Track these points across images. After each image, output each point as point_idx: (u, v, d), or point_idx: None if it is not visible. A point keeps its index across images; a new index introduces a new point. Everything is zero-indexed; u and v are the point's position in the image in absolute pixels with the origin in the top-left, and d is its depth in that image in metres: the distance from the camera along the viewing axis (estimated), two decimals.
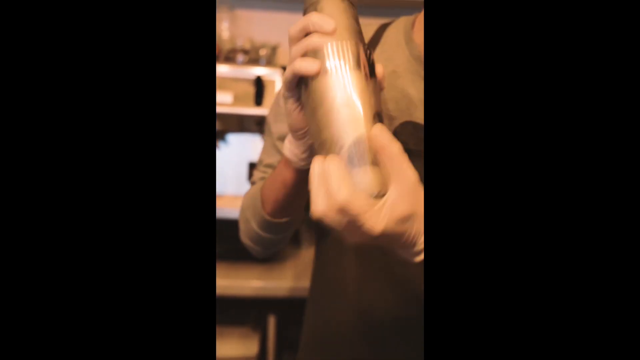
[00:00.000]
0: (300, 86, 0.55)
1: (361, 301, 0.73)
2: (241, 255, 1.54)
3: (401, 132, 0.67)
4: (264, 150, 0.82)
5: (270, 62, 1.77)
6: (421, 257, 0.50)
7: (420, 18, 0.71)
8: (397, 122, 0.67)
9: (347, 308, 0.74)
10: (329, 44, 0.52)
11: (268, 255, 0.80)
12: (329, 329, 0.77)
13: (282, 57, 1.86)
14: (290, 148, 0.63)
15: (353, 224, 0.45)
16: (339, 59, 0.52)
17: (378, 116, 0.51)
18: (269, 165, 0.80)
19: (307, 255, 1.72)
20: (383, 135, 0.47)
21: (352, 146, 0.49)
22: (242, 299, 1.50)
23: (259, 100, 1.62)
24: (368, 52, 0.54)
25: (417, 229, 0.49)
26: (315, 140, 0.53)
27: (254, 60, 1.75)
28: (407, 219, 0.47)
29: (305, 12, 0.56)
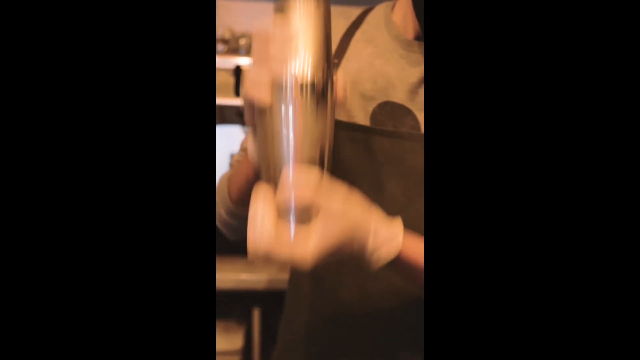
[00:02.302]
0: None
1: (338, 292, 0.72)
2: (224, 249, 1.52)
3: (379, 113, 0.66)
4: (247, 137, 0.81)
5: (250, 51, 1.74)
6: (378, 265, 0.52)
7: (400, 1, 0.70)
8: (375, 103, 0.67)
9: (324, 299, 0.73)
10: (284, 69, 0.50)
11: (239, 239, 0.80)
12: (307, 320, 0.76)
13: None
14: (250, 145, 0.62)
15: (283, 265, 0.48)
16: (290, 88, 0.50)
17: (321, 151, 0.51)
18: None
19: None
20: (302, 178, 0.49)
21: (283, 182, 0.50)
22: (225, 292, 1.48)
23: (238, 90, 1.60)
24: (326, 68, 0.52)
25: (357, 246, 0.50)
26: (259, 162, 0.53)
27: (234, 50, 1.73)
28: (336, 249, 0.49)
29: (275, 10, 0.54)
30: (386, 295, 0.67)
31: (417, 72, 0.65)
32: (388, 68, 0.67)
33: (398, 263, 0.53)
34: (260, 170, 0.54)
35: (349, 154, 0.66)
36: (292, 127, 0.51)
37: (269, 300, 1.56)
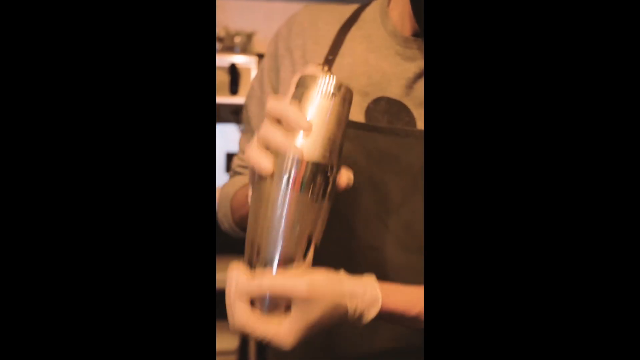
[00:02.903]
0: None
1: None
2: (221, 248, 1.51)
3: (374, 109, 0.65)
4: (244, 137, 0.80)
5: (245, 49, 1.74)
6: (363, 321, 0.53)
7: None
8: (369, 98, 0.66)
9: None
10: (291, 154, 0.49)
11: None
12: None
13: (257, 44, 1.83)
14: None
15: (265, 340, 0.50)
16: (291, 173, 0.49)
17: (300, 239, 0.51)
18: None
19: None
20: (270, 278, 0.50)
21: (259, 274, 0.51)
22: (222, 292, 1.47)
23: (234, 88, 1.59)
24: (333, 168, 0.51)
25: (338, 319, 0.52)
26: (246, 242, 0.54)
27: (229, 48, 1.72)
28: (317, 328, 0.51)
29: (295, 89, 0.52)
30: (381, 339, 0.67)
31: (412, 67, 0.65)
32: (383, 63, 0.66)
33: (384, 316, 0.54)
34: (245, 241, 0.54)
35: (344, 151, 0.65)
36: (284, 217, 0.50)
37: None
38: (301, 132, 0.49)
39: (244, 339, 1.63)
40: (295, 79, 0.52)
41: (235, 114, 1.72)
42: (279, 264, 0.51)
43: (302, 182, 0.49)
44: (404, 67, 0.65)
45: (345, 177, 0.54)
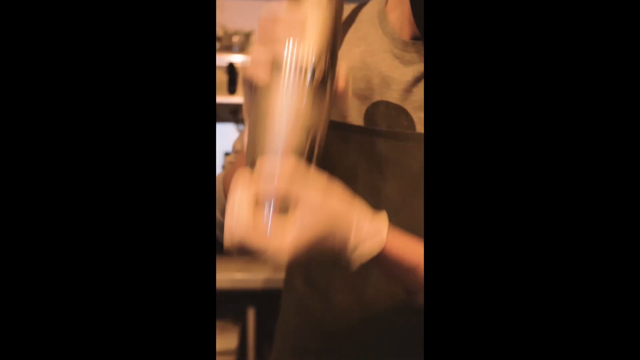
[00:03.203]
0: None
1: (332, 296, 0.71)
2: (219, 248, 1.51)
3: (373, 112, 0.65)
4: (240, 137, 0.79)
5: (243, 49, 1.73)
6: (360, 261, 0.50)
7: None
8: (368, 102, 0.65)
9: (317, 304, 0.72)
10: (288, 52, 0.50)
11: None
12: (304, 320, 0.75)
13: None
14: (244, 140, 0.61)
15: (259, 255, 0.46)
16: (291, 71, 0.49)
17: (309, 140, 0.50)
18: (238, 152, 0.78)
19: None
20: (284, 167, 0.48)
21: (269, 170, 0.49)
22: (220, 292, 1.47)
23: (232, 88, 1.58)
24: (328, 59, 0.51)
25: (338, 241, 0.48)
26: (247, 150, 0.52)
27: (227, 48, 1.71)
28: (316, 242, 0.47)
29: None
30: (382, 299, 0.66)
31: (411, 70, 0.64)
32: (381, 67, 0.66)
33: (381, 260, 0.51)
34: (246, 153, 0.52)
35: (343, 154, 0.65)
36: (286, 111, 0.49)
37: (264, 299, 1.55)
38: (298, 29, 0.49)
39: (244, 337, 1.62)
40: None
41: (234, 114, 1.71)
42: (287, 160, 0.49)
43: (302, 76, 0.49)
44: (402, 70, 0.65)
45: (342, 76, 0.53)
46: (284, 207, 0.48)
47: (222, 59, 1.60)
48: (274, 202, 0.48)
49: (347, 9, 0.72)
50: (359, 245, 0.50)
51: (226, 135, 1.72)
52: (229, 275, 1.48)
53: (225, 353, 1.55)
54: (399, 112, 0.64)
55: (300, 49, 0.50)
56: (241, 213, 0.47)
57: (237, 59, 1.60)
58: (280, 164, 0.48)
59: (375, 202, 0.61)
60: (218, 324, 1.63)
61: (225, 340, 1.57)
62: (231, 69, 1.58)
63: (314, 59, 0.50)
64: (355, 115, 0.66)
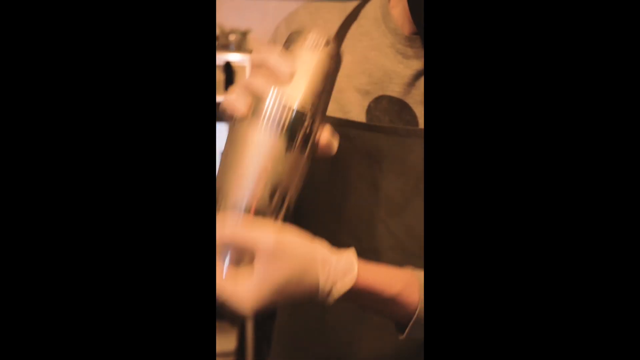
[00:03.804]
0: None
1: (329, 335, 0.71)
2: None
3: (375, 108, 0.64)
4: None
5: (240, 47, 1.73)
6: (333, 299, 0.49)
7: None
8: (370, 97, 0.65)
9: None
10: (270, 99, 0.48)
11: None
12: (299, 321, 0.74)
13: (252, 42, 1.82)
14: None
15: (221, 307, 0.46)
16: (269, 120, 0.47)
17: (272, 191, 0.48)
18: None
19: None
20: (244, 218, 0.47)
21: (225, 214, 0.48)
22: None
23: (229, 87, 1.57)
24: (310, 117, 0.49)
25: (307, 286, 0.47)
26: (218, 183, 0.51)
27: (224, 46, 1.71)
28: (280, 290, 0.46)
29: (285, 43, 0.52)
30: (378, 339, 0.66)
31: (414, 64, 0.64)
32: (384, 61, 0.65)
33: (357, 294, 0.50)
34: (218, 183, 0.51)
35: (344, 152, 0.64)
36: (255, 160, 0.48)
37: None
38: (284, 78, 0.48)
39: (242, 339, 1.62)
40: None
41: None
42: (247, 213, 0.48)
43: (279, 127, 0.47)
44: (405, 65, 0.64)
45: (326, 136, 0.51)
46: (239, 259, 0.47)
47: (219, 58, 1.60)
48: (230, 253, 0.47)
49: (351, 5, 0.72)
50: (330, 285, 0.49)
51: (222, 135, 1.72)
52: None
53: (224, 354, 1.55)
54: (401, 107, 0.64)
55: (283, 102, 0.48)
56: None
57: (233, 57, 1.59)
58: (237, 216, 0.48)
59: (377, 200, 0.61)
60: (216, 326, 1.62)
61: (224, 342, 1.56)
62: (228, 67, 1.57)
63: (293, 115, 0.48)
64: (356, 111, 0.65)
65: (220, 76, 1.59)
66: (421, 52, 0.63)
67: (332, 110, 0.61)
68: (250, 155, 0.48)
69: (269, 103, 0.48)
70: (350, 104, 0.65)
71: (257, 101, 0.48)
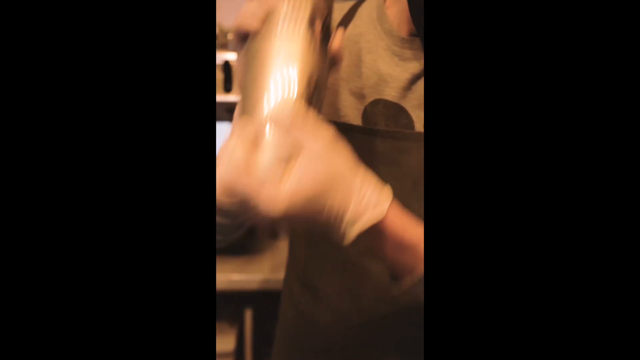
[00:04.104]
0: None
1: (330, 300, 0.70)
2: (220, 248, 1.49)
3: (371, 111, 0.64)
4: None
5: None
6: (350, 238, 0.45)
7: None
8: (366, 101, 0.64)
9: (315, 301, 0.71)
10: (284, 5, 0.48)
11: (228, 243, 0.78)
12: (302, 322, 0.74)
13: None
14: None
15: (245, 205, 0.42)
16: (287, 20, 0.48)
17: (311, 85, 0.47)
18: None
19: (284, 247, 1.68)
20: (286, 108, 0.43)
21: (268, 114, 0.45)
22: (217, 293, 1.45)
23: (228, 86, 1.56)
24: (327, 18, 0.50)
25: (338, 204, 0.44)
26: (241, 98, 0.48)
27: (222, 46, 1.69)
28: (312, 198, 0.43)
29: None
30: (380, 303, 0.65)
31: (410, 67, 0.63)
32: (380, 64, 0.65)
33: (378, 232, 0.47)
34: (241, 102, 0.49)
35: None
36: (284, 56, 0.47)
37: (261, 301, 1.53)
38: None
39: (241, 339, 1.61)
40: None
41: (230, 112, 1.69)
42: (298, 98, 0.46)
43: (300, 20, 0.48)
44: (401, 68, 0.63)
45: (340, 38, 0.51)
46: (285, 155, 0.43)
47: (218, 57, 1.58)
48: (276, 147, 0.43)
49: (346, 6, 0.71)
50: (358, 212, 0.45)
51: (221, 134, 1.71)
52: (225, 277, 1.46)
53: (223, 355, 1.54)
54: (397, 110, 0.63)
55: (297, 3, 0.48)
56: (234, 157, 0.43)
57: (232, 57, 1.58)
58: (284, 108, 0.44)
59: None
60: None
61: (223, 342, 1.56)
62: (227, 67, 1.56)
63: (310, 12, 0.48)
64: (352, 115, 0.64)
65: (219, 75, 1.58)
66: (419, 54, 0.63)
67: (327, 113, 0.60)
68: (275, 52, 0.47)
69: (284, 8, 0.48)
70: (346, 107, 0.64)
71: (270, 14, 0.48)
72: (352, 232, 0.46)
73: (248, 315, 1.57)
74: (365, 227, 0.46)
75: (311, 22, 0.48)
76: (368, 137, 0.63)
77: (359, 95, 0.64)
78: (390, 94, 0.63)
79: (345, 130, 0.63)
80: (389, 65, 0.64)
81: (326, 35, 0.50)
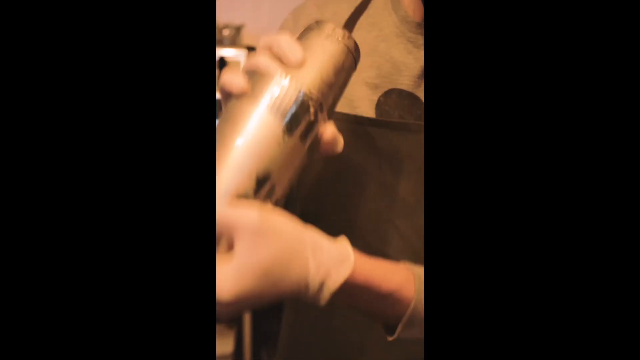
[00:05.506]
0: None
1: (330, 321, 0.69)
2: None
3: (385, 102, 0.62)
4: None
5: (234, 42, 1.72)
6: (324, 299, 0.44)
7: None
8: (380, 91, 0.63)
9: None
10: (276, 77, 0.44)
11: None
12: (306, 323, 0.72)
13: (246, 37, 1.81)
14: None
15: None
16: (272, 97, 0.44)
17: (261, 177, 0.44)
18: None
19: None
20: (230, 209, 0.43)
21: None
22: None
23: None
24: (320, 110, 0.46)
25: (294, 278, 0.42)
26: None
27: (218, 42, 1.69)
28: (264, 272, 0.41)
29: (301, 33, 0.49)
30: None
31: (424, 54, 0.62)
32: (394, 52, 0.63)
33: (352, 288, 0.45)
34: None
35: (353, 150, 0.62)
36: (245, 142, 0.44)
37: None
38: (294, 60, 0.45)
39: (240, 341, 1.60)
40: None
41: None
42: (230, 194, 0.44)
43: (281, 109, 0.44)
44: (416, 55, 0.62)
45: (332, 131, 0.48)
46: (219, 243, 0.43)
47: None
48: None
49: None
50: (323, 275, 0.44)
51: None
52: None
53: (222, 357, 1.54)
54: (412, 100, 0.62)
55: (289, 83, 0.44)
56: None
57: (228, 52, 1.57)
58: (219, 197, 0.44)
59: (387, 200, 0.59)
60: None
61: (222, 345, 1.56)
62: (222, 63, 1.55)
63: (299, 98, 0.45)
64: (365, 106, 0.63)
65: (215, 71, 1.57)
66: None
67: (340, 105, 0.59)
68: (243, 134, 0.44)
69: (274, 83, 0.44)
70: (358, 98, 0.63)
71: (260, 80, 0.45)
72: (324, 295, 0.44)
73: (247, 317, 1.56)
74: (336, 286, 0.44)
75: (291, 118, 0.44)
76: (381, 129, 0.62)
77: (372, 86, 0.63)
78: (404, 82, 0.63)
79: (357, 122, 0.62)
80: (402, 54, 0.63)
81: (314, 129, 0.46)
